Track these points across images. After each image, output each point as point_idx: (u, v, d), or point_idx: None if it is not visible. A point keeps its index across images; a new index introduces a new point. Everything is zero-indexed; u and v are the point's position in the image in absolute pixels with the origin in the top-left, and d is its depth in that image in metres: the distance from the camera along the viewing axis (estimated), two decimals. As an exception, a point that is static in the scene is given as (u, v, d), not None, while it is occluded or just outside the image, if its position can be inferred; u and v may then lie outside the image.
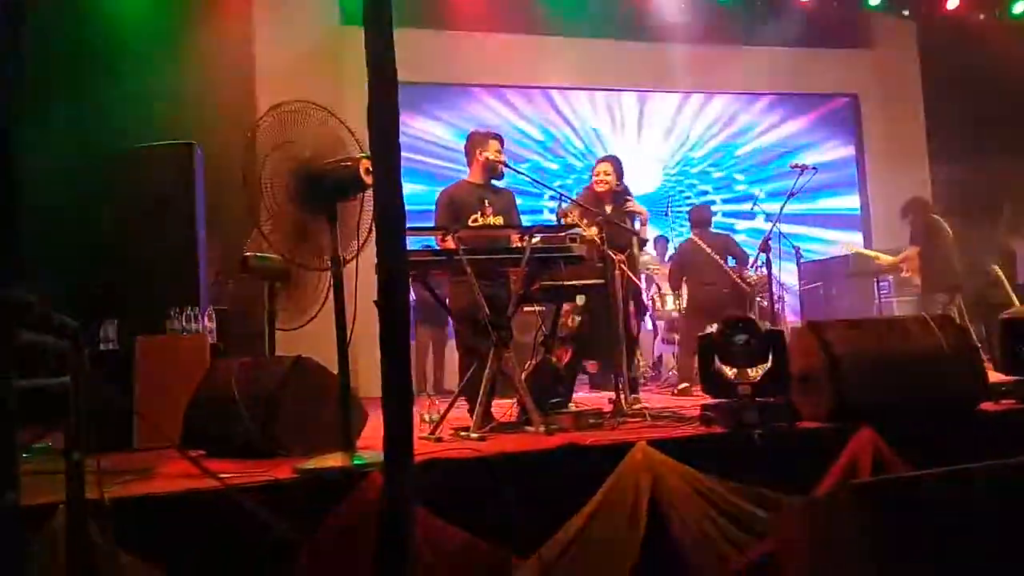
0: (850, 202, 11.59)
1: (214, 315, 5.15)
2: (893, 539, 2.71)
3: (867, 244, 10.66)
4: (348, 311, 3.23)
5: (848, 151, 11.70)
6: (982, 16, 10.39)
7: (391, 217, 2.40)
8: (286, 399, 3.68)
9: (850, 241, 9.04)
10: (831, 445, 3.48)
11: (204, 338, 4.82)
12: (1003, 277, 7.54)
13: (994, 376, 4.16)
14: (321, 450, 3.23)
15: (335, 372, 3.29)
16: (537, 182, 5.48)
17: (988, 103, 10.38)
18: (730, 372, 3.85)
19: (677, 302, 7.91)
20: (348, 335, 3.20)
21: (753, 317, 5.25)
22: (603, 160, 6.07)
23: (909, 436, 3.49)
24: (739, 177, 11.31)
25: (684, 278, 7.59)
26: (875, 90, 11.44)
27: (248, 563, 2.78)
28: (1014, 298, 7.24)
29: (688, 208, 8.28)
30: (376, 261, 2.34)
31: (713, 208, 8.59)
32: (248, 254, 4.30)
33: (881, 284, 8.93)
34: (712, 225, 7.66)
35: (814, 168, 6.27)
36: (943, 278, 7.53)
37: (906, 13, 10.60)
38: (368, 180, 3.05)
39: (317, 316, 3.96)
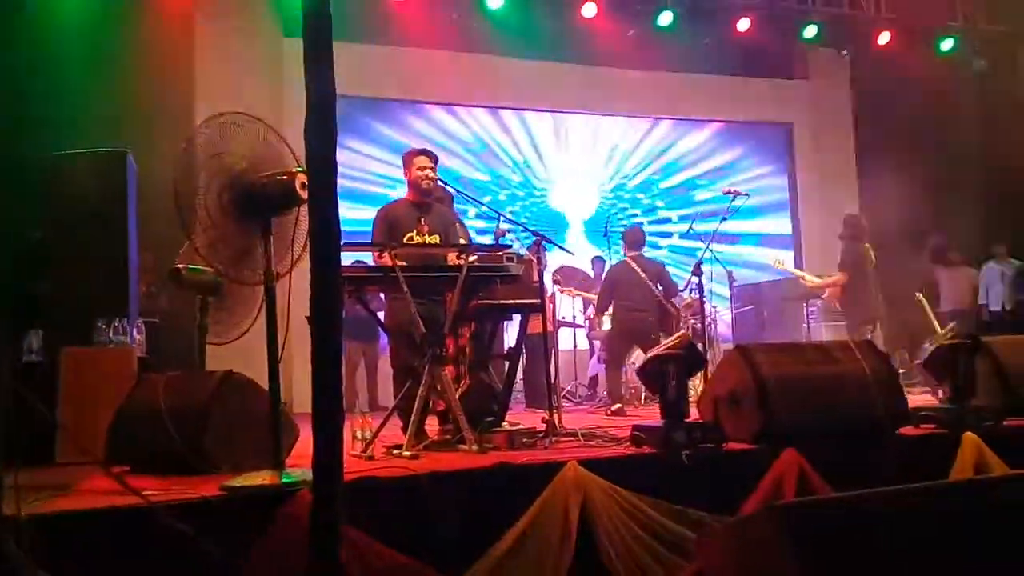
0: (782, 228, 11.91)
1: (143, 327, 5.04)
2: (814, 560, 2.77)
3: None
4: (281, 326, 3.20)
5: (781, 179, 12.02)
6: (912, 53, 10.80)
7: (326, 232, 2.39)
8: (215, 415, 3.61)
9: (779, 259, 9.19)
10: (757, 466, 3.55)
11: (132, 351, 4.71)
12: (926, 305, 7.78)
13: (914, 401, 4.30)
14: (250, 467, 3.18)
15: (267, 388, 3.25)
16: (471, 199, 5.50)
17: (916, 135, 10.79)
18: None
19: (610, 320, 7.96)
20: (280, 350, 3.16)
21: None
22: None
23: (832, 458, 3.58)
24: (676, 200, 11.54)
25: (612, 300, 7.64)
26: (808, 120, 11.78)
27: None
28: (936, 325, 7.47)
29: (622, 229, 8.38)
30: (310, 276, 2.34)
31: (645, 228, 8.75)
32: (180, 266, 4.23)
33: (810, 309, 9.15)
34: (644, 245, 7.74)
35: (746, 193, 6.40)
36: (865, 310, 7.68)
37: (843, 52, 10.96)
38: (304, 194, 3.03)
39: (249, 331, 3.92)
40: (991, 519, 3.12)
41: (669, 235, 11.33)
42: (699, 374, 5.70)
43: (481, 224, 8.69)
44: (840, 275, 7.81)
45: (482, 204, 5.49)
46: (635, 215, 11.36)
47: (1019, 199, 10.92)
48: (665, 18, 9.72)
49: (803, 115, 11.78)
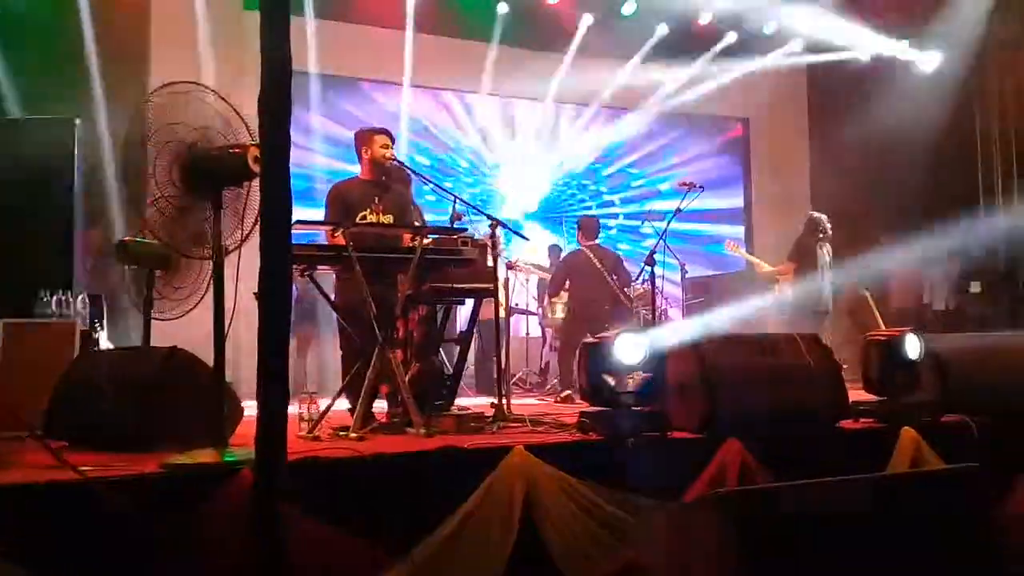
0: (736, 221, 12.03)
1: (88, 301, 4.93)
2: (753, 548, 2.83)
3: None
4: (229, 303, 3.15)
5: (736, 172, 12.15)
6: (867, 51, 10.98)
7: (277, 208, 2.36)
8: (158, 391, 3.55)
9: (732, 242, 9.30)
10: (701, 455, 3.59)
11: (74, 324, 4.61)
12: (872, 302, 7.94)
13: (855, 395, 4.39)
14: (193, 445, 3.14)
15: (212, 365, 3.21)
16: (427, 180, 5.45)
17: (869, 133, 10.98)
18: (611, 381, 3.94)
19: (563, 309, 8.00)
20: (226, 327, 3.12)
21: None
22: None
23: (774, 449, 3.64)
24: (631, 191, 11.62)
25: (567, 285, 7.68)
26: (765, 115, 11.90)
27: (108, 560, 2.68)
28: (880, 322, 7.63)
29: (577, 218, 8.42)
30: (260, 252, 2.31)
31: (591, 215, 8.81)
32: (127, 239, 4.15)
33: (759, 303, 9.26)
34: (599, 234, 7.80)
35: (700, 186, 6.45)
36: (812, 304, 7.85)
37: (799, 47, 11.07)
38: (256, 169, 2.98)
39: (196, 307, 3.86)
40: (925, 510, 3.22)
41: (616, 216, 11.56)
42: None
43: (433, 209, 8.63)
44: (787, 264, 7.95)
45: (439, 187, 5.44)
46: (584, 200, 11.46)
47: (969, 195, 11.21)
48: (629, 7, 9.75)
49: (758, 109, 11.89)
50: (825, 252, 7.99)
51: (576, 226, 8.04)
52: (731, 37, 10.56)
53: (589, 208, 11.40)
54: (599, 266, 7.25)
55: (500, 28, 9.95)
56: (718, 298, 9.62)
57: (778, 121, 11.86)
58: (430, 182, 5.45)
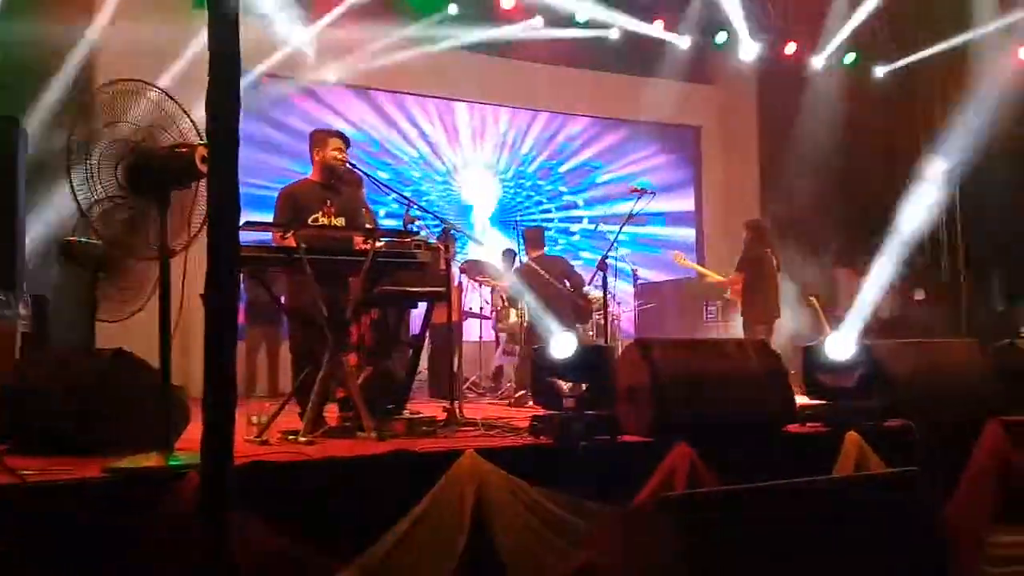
0: (687, 228, 12.18)
1: (30, 302, 4.82)
2: (702, 550, 2.86)
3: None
4: (175, 305, 3.10)
5: (687, 179, 12.29)
6: (816, 63, 11.22)
7: (224, 209, 2.33)
8: (103, 394, 3.47)
9: (679, 253, 9.41)
10: (651, 459, 3.62)
11: (15, 326, 4.50)
12: (819, 308, 8.09)
13: (801, 400, 4.46)
14: (138, 449, 3.08)
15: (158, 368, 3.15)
16: (381, 184, 5.43)
17: (817, 143, 11.22)
18: (565, 386, 3.98)
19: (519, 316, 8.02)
20: (172, 329, 3.07)
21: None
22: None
23: (723, 453, 3.68)
24: (585, 197, 11.69)
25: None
26: (715, 123, 12.07)
27: (50, 568, 2.61)
28: (828, 328, 7.77)
29: (522, 228, 8.46)
30: (207, 254, 2.27)
31: (550, 219, 8.81)
32: (71, 239, 4.06)
33: (709, 308, 9.39)
34: (544, 243, 7.85)
35: (652, 192, 6.50)
36: (762, 311, 7.97)
37: (751, 58, 11.26)
38: (203, 168, 2.94)
39: (143, 309, 3.79)
40: (869, 512, 3.29)
41: (579, 220, 11.58)
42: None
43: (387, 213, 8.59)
44: (736, 275, 8.08)
45: (392, 190, 5.43)
46: (541, 202, 11.48)
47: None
48: (582, 15, 9.81)
49: (711, 119, 12.05)
50: (773, 260, 8.12)
51: (522, 238, 8.06)
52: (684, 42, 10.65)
53: (548, 211, 11.42)
54: (546, 276, 7.30)
55: (450, 30, 9.90)
56: (669, 303, 9.75)
57: (728, 129, 12.03)
58: (383, 185, 5.43)
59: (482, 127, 11.16)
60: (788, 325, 8.29)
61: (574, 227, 11.54)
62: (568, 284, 7.43)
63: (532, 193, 11.47)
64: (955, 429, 4.35)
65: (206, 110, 2.30)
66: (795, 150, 11.15)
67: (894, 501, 3.35)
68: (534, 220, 11.00)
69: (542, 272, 7.32)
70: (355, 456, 3.43)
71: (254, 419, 4.26)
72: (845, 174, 11.09)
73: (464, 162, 11.01)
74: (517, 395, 6.91)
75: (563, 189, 11.69)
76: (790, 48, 10.89)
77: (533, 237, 7.79)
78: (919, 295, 10.08)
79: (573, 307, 7.32)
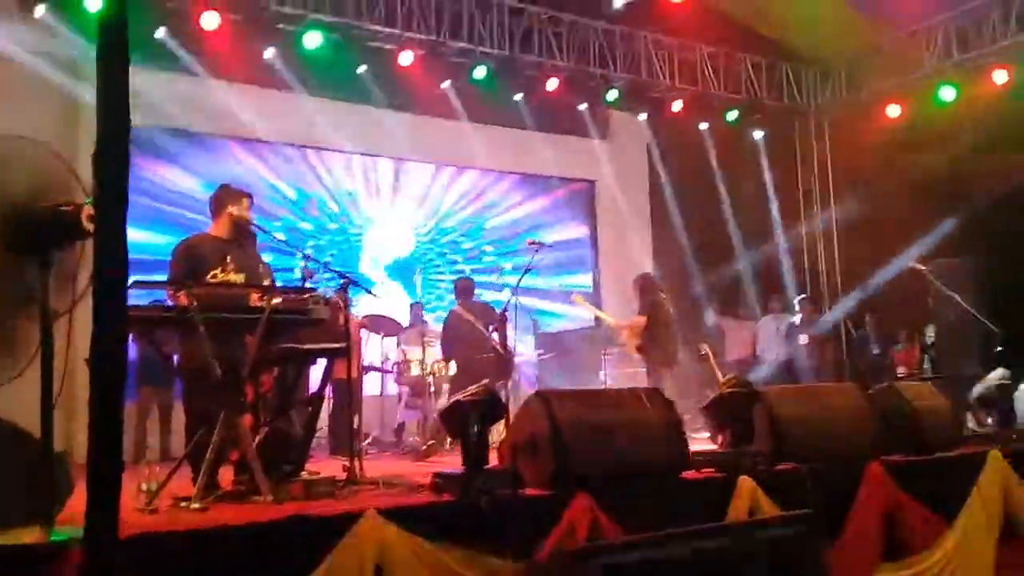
0: (584, 279, 12.40)
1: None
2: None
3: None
4: (59, 369, 2.98)
5: (584, 232, 12.56)
6: (701, 119, 11.77)
7: (111, 269, 2.26)
8: (-24, 464, 3.28)
9: (577, 295, 9.57)
10: (552, 511, 3.64)
11: None
12: (711, 356, 8.35)
13: (695, 447, 4.57)
14: (17, 523, 2.92)
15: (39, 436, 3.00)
16: (273, 236, 5.38)
17: (706, 195, 11.75)
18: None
19: (443, 370, 7.97)
20: (56, 394, 2.94)
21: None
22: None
23: (621, 501, 3.73)
24: (488, 248, 11.77)
25: (454, 348, 7.81)
26: (609, 177, 12.42)
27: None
28: (719, 374, 8.01)
29: (453, 280, 8.60)
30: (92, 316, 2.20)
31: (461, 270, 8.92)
32: (-56, 301, 3.84)
33: (607, 357, 9.54)
34: (474, 295, 8.00)
35: (549, 245, 6.68)
36: (664, 353, 8.17)
37: (641, 116, 11.71)
38: (90, 227, 2.85)
39: (23, 373, 3.61)
40: (763, 554, 3.39)
41: (498, 287, 11.00)
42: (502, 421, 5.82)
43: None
44: (639, 318, 8.25)
45: (285, 242, 5.37)
46: (455, 261, 11.48)
47: (794, 252, 12.18)
48: (480, 72, 10.01)
49: (604, 173, 12.40)
50: (668, 307, 8.35)
51: (454, 288, 8.30)
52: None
53: (455, 263, 11.43)
54: (473, 320, 7.44)
55: (360, 87, 9.97)
56: (568, 353, 9.87)
57: (621, 184, 12.39)
58: (274, 237, 5.39)
59: (399, 182, 11.17)
60: (683, 372, 8.52)
61: (488, 295, 11.18)
62: (495, 335, 7.49)
63: (446, 250, 11.46)
64: (839, 469, 4.53)
65: (92, 165, 2.24)
66: (685, 203, 11.66)
67: (785, 542, 3.46)
68: (442, 275, 11.01)
69: (468, 316, 7.47)
70: (249, 523, 3.31)
71: (144, 486, 4.08)
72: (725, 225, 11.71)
73: (381, 215, 11.00)
74: (426, 446, 6.88)
75: (487, 248, 11.69)
76: (677, 105, 11.35)
77: (462, 288, 8.03)
78: (803, 340, 10.52)
79: (497, 355, 7.35)
